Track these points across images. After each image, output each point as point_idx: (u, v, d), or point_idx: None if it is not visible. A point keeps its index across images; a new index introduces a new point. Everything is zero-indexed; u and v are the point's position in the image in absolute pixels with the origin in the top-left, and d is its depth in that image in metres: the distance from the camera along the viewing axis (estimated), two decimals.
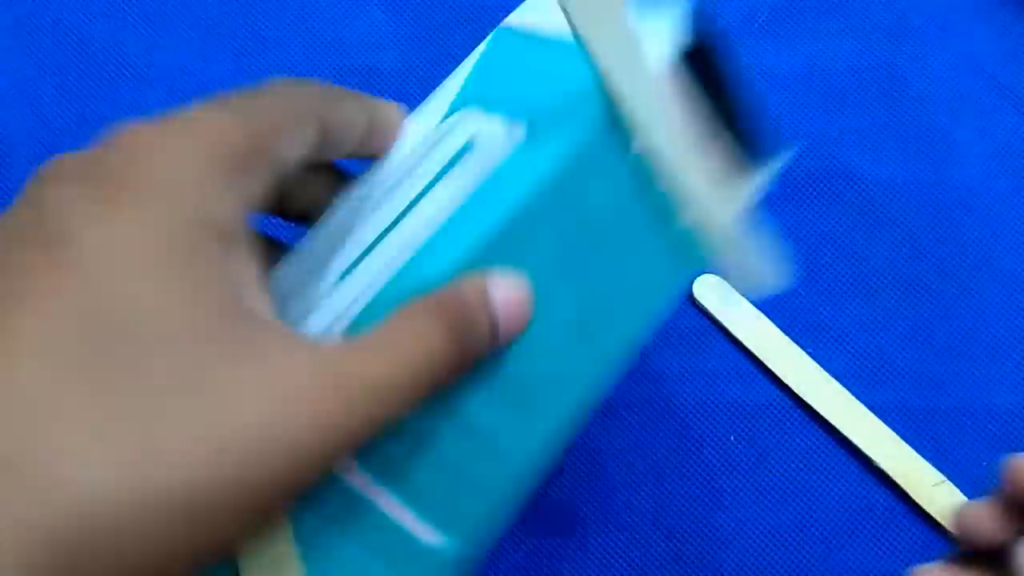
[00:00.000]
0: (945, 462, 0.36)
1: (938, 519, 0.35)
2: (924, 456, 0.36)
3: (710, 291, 0.37)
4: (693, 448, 0.36)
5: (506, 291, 0.22)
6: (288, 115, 0.21)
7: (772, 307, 0.38)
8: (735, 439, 0.36)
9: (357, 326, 0.22)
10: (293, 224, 0.25)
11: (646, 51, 0.23)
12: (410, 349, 0.20)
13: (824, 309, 0.38)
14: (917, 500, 0.35)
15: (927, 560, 0.28)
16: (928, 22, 0.41)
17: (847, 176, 0.39)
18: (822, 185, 0.39)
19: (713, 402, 0.37)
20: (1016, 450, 0.37)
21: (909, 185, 0.39)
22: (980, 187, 0.39)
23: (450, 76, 0.27)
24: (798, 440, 0.36)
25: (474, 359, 0.21)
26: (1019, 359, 0.38)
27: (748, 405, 0.37)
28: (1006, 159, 0.40)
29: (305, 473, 0.18)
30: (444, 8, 0.41)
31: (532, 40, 0.26)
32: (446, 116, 0.26)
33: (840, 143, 0.40)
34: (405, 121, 0.26)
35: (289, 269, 0.24)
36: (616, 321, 0.25)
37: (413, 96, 0.40)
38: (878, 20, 0.41)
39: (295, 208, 0.25)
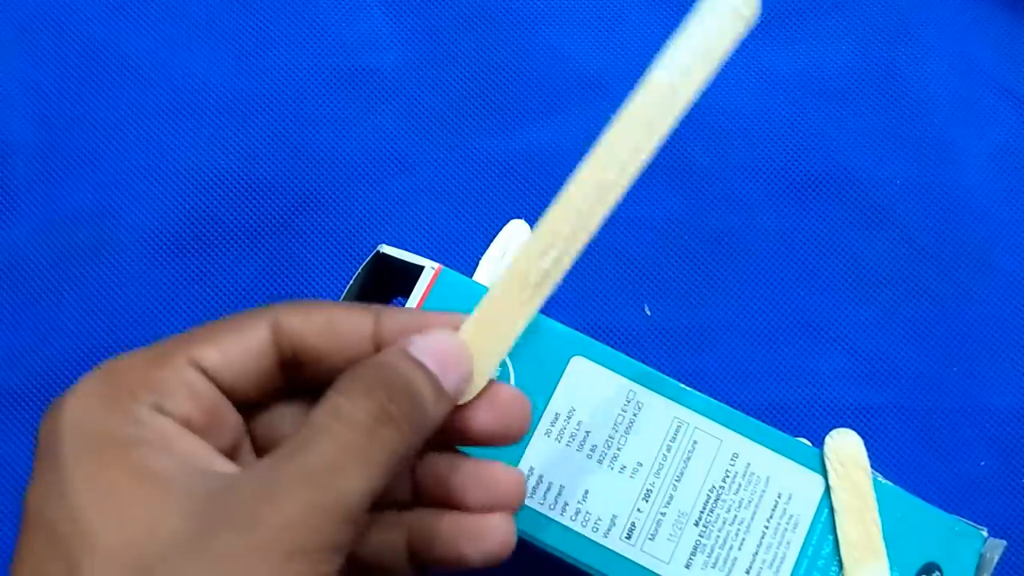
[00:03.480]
0: (944, 462, 0.36)
1: None
2: (923, 457, 0.36)
3: None
4: None
5: (431, 343, 0.21)
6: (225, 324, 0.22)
7: (771, 307, 0.38)
8: None
9: None
10: None
11: None
12: (346, 441, 0.19)
13: (824, 309, 0.38)
14: None
15: None
16: (927, 23, 0.41)
17: (846, 176, 0.39)
18: (821, 185, 0.39)
19: None
20: (1015, 451, 0.37)
21: (908, 185, 0.39)
22: (979, 187, 0.39)
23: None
24: None
25: (429, 416, 0.21)
26: (1018, 359, 0.38)
27: None
28: (1005, 160, 0.40)
29: None
30: (444, 8, 0.41)
31: None
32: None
33: (840, 143, 0.40)
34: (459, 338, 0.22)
35: None
36: None
37: (414, 98, 0.40)
38: (878, 21, 0.41)
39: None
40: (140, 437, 0.19)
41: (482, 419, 0.22)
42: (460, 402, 0.22)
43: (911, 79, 0.40)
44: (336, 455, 0.19)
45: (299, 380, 0.22)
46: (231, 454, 0.21)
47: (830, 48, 0.41)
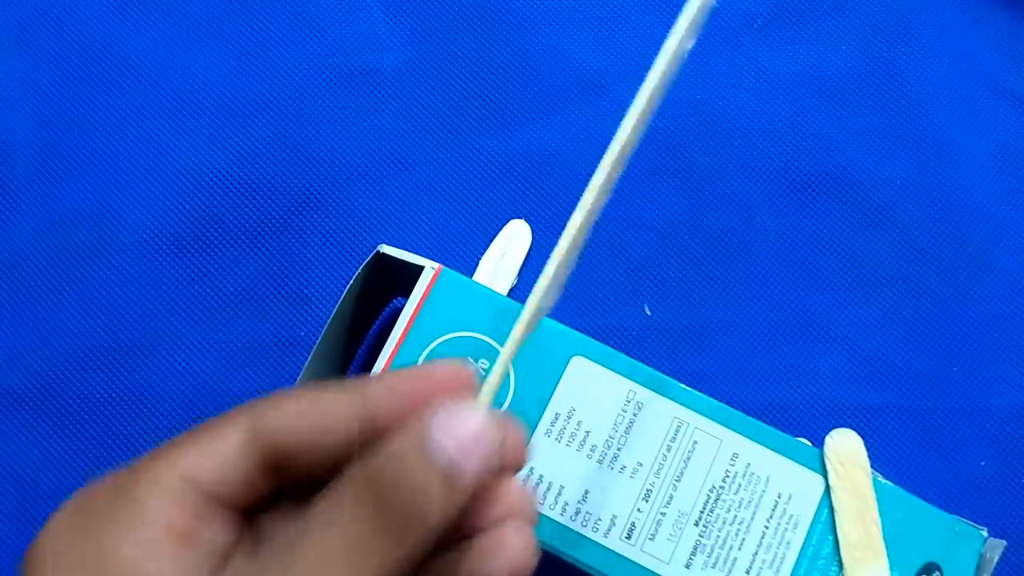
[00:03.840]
0: (944, 462, 0.36)
1: None
2: (923, 457, 0.36)
3: None
4: None
5: (450, 429, 0.18)
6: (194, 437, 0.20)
7: (771, 307, 0.38)
8: None
9: None
10: None
11: None
12: (329, 551, 0.17)
13: (823, 309, 0.38)
14: None
15: None
16: (927, 23, 0.41)
17: (846, 176, 0.39)
18: (821, 185, 0.39)
19: None
20: (1015, 451, 0.37)
21: (909, 185, 0.39)
22: (979, 188, 0.39)
23: None
24: None
25: (433, 520, 0.18)
26: (1018, 359, 0.38)
27: None
28: (1005, 160, 0.40)
29: None
30: (444, 8, 0.41)
31: None
32: None
33: (839, 144, 0.40)
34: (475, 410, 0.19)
35: None
36: None
37: (414, 98, 0.40)
38: (878, 21, 0.41)
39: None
40: (107, 567, 0.18)
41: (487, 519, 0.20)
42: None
43: (911, 79, 0.40)
44: (317, 567, 0.17)
45: (294, 477, 0.21)
46: (226, 558, 0.20)
47: (830, 48, 0.41)
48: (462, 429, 0.18)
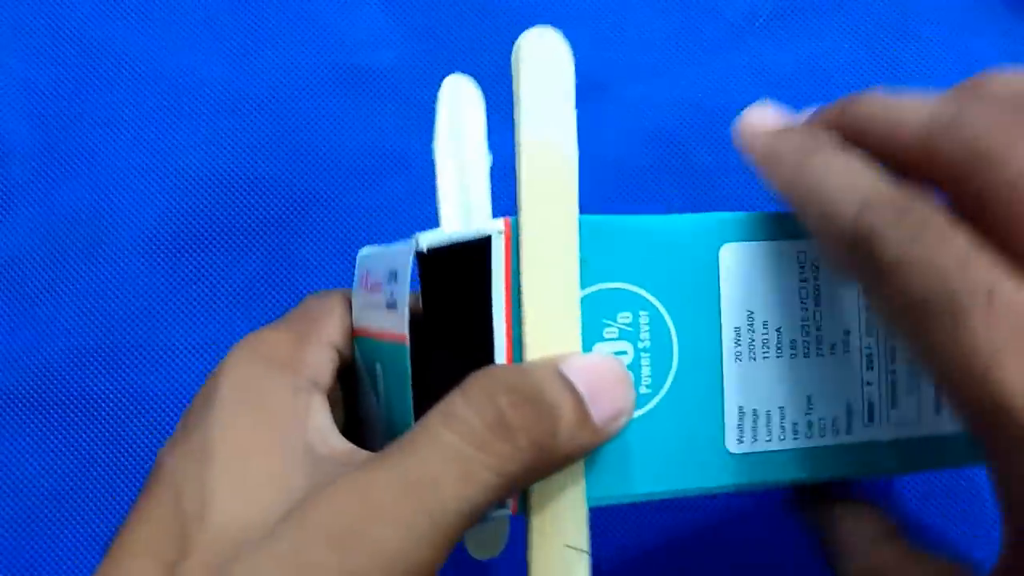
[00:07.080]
0: None
1: None
2: None
3: None
4: None
5: (587, 363, 0.19)
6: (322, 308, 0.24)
7: None
8: None
9: None
10: None
11: None
12: (451, 451, 0.17)
13: None
14: None
15: None
16: (930, 22, 0.41)
17: None
18: None
19: None
20: None
21: None
22: None
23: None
24: None
25: (560, 443, 0.18)
26: None
27: None
28: None
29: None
30: (444, 8, 0.41)
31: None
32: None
33: None
34: None
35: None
36: None
37: (413, 96, 0.40)
38: (879, 20, 0.41)
39: None
40: (292, 409, 0.20)
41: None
42: (609, 437, 0.19)
43: (914, 77, 0.40)
44: (437, 466, 0.17)
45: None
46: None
47: (833, 46, 0.41)
48: (597, 367, 0.19)
